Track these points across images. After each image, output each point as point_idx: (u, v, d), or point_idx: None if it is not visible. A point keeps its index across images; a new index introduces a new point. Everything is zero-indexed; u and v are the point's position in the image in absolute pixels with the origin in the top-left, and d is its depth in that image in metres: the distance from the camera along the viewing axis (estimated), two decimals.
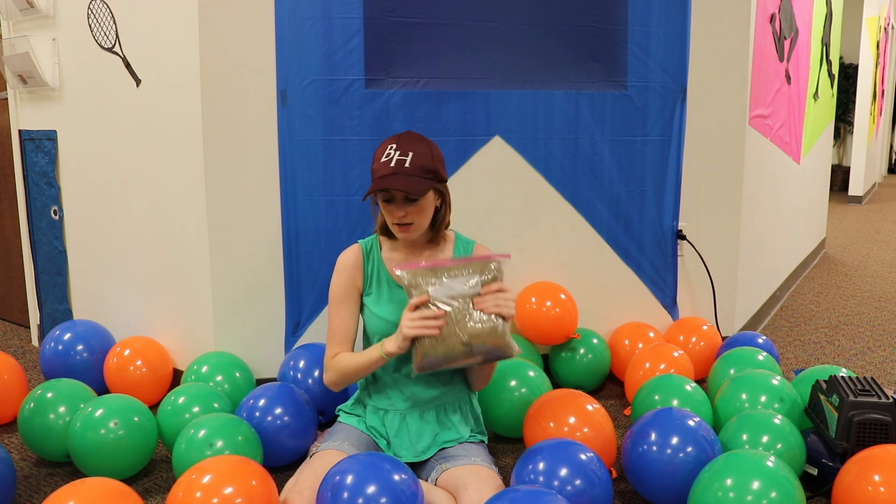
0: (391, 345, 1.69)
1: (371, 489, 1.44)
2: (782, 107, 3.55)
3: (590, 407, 1.96)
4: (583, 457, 1.67)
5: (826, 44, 4.72)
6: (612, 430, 1.96)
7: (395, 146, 1.73)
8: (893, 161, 14.12)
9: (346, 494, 1.44)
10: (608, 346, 2.67)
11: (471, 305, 1.63)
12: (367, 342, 1.90)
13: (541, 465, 1.65)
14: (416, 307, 1.64)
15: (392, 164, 1.70)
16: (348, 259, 1.87)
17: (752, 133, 2.98)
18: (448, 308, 1.63)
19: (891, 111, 12.36)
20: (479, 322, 1.62)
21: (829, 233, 6.51)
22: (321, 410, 2.22)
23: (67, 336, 2.49)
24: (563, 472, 1.63)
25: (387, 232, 1.86)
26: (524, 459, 1.70)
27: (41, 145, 2.82)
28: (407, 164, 1.70)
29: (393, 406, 1.86)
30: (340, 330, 1.86)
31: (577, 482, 1.61)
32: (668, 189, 2.72)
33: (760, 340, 2.58)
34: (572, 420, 1.92)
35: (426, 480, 1.73)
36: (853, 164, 9.08)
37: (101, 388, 2.46)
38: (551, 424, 1.92)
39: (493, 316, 1.63)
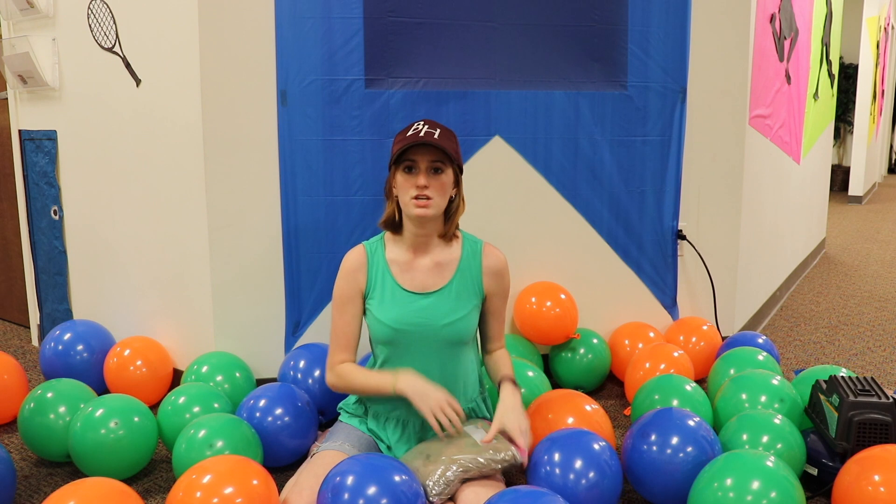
0: (407, 387, 1.72)
1: (371, 490, 1.44)
2: (782, 107, 3.55)
3: (588, 407, 1.96)
4: (596, 447, 1.69)
5: (826, 44, 4.72)
6: (611, 430, 1.96)
7: (423, 123, 1.75)
8: (893, 161, 14.12)
9: (346, 495, 1.44)
10: (608, 346, 2.67)
11: (463, 455, 1.66)
12: (377, 345, 1.87)
13: (556, 456, 1.67)
14: (449, 406, 1.69)
15: (421, 134, 1.71)
16: (351, 261, 1.84)
17: (752, 133, 2.98)
18: (457, 440, 1.72)
19: (891, 111, 12.35)
20: (444, 468, 1.63)
21: (829, 233, 6.50)
22: (322, 410, 2.22)
23: (67, 336, 2.49)
24: (578, 463, 1.65)
25: (392, 226, 1.82)
26: (539, 450, 1.73)
27: (41, 145, 2.82)
28: (436, 136, 1.71)
29: (395, 413, 1.85)
30: (344, 335, 1.84)
31: (591, 475, 1.64)
32: (668, 189, 2.72)
33: (760, 340, 2.58)
34: (570, 420, 1.92)
35: None
36: (853, 164, 9.08)
37: (101, 388, 2.46)
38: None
39: (450, 481, 1.62)
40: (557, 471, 1.66)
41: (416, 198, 1.71)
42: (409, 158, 1.71)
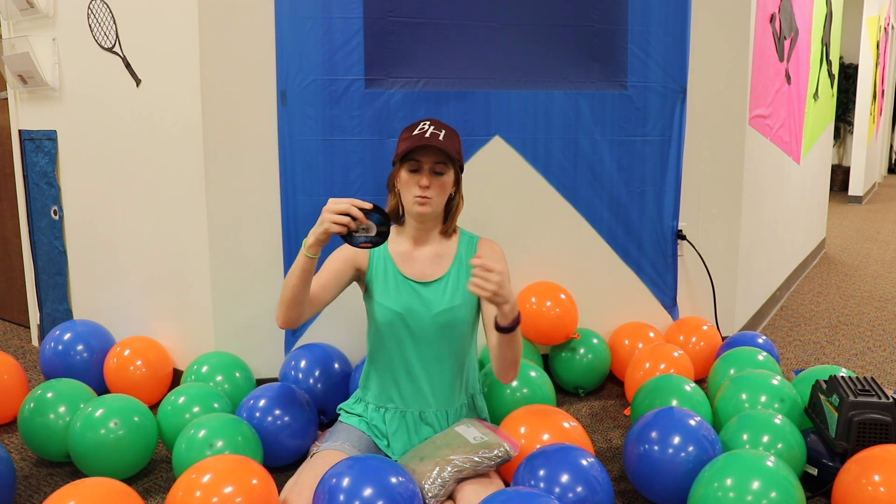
0: (310, 234, 1.64)
1: (367, 492, 1.44)
2: (782, 107, 3.55)
3: (566, 424, 1.88)
4: (584, 462, 1.65)
5: (826, 44, 4.72)
6: (590, 446, 1.88)
7: (429, 123, 1.80)
8: (893, 161, 14.12)
9: (342, 497, 1.44)
10: (608, 346, 2.67)
11: (457, 455, 1.67)
12: (376, 333, 1.86)
13: (541, 472, 1.63)
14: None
15: (427, 136, 1.75)
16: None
17: (752, 133, 2.98)
18: (450, 441, 1.74)
19: (891, 111, 12.35)
20: (439, 469, 1.64)
21: (829, 233, 6.50)
22: (322, 410, 2.22)
23: (67, 336, 2.49)
24: (565, 478, 1.61)
25: (395, 218, 1.89)
26: (525, 465, 1.69)
27: (41, 145, 2.82)
28: (441, 138, 1.76)
29: (392, 404, 1.87)
30: (317, 280, 1.80)
31: (579, 489, 1.60)
32: (668, 189, 2.72)
33: (760, 340, 2.58)
34: (546, 437, 1.83)
35: None
36: (853, 164, 9.08)
37: (101, 388, 2.46)
38: (522, 441, 1.82)
39: (445, 482, 1.63)
40: (542, 485, 1.61)
41: (418, 196, 1.77)
42: (414, 158, 1.77)
